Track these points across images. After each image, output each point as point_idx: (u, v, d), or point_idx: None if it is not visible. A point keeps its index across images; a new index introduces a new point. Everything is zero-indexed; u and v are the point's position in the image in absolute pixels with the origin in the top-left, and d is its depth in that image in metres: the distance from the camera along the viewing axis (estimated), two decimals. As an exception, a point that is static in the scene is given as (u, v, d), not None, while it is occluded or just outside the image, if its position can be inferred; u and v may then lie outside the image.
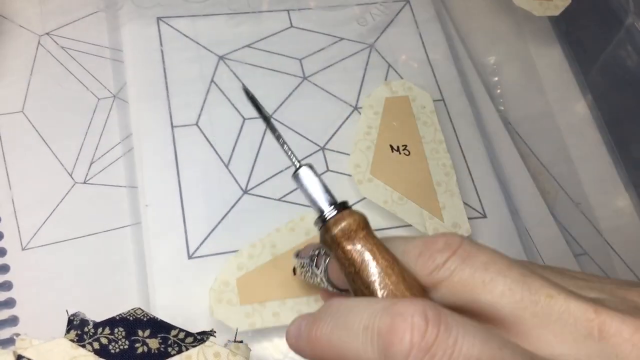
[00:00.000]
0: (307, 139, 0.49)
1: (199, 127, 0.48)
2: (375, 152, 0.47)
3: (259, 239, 0.43)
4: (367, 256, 0.28)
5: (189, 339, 0.36)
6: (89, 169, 0.46)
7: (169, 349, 0.36)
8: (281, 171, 0.47)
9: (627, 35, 0.54)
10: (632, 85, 0.54)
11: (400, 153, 0.47)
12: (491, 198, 0.49)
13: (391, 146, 0.47)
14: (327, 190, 0.31)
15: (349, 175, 0.47)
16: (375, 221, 0.45)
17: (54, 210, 0.44)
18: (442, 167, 0.47)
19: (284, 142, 0.34)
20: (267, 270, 0.42)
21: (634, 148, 0.54)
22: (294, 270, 0.39)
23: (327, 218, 0.30)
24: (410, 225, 0.45)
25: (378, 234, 0.44)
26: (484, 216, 0.48)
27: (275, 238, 0.43)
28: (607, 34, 0.56)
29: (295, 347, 0.28)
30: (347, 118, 0.50)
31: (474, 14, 0.60)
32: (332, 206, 0.30)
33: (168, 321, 0.37)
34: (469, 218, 0.46)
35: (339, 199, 0.46)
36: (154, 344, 0.36)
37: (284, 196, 0.46)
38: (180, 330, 0.36)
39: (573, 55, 0.60)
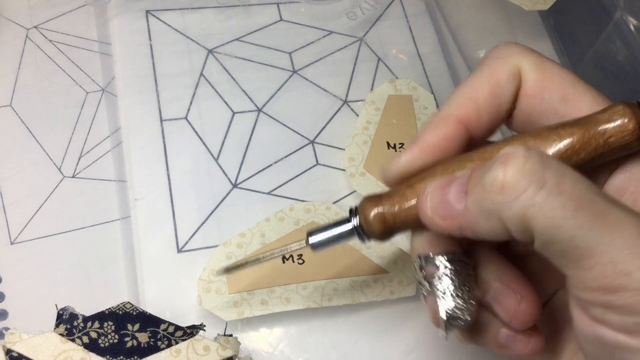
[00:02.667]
0: (297, 132, 0.49)
1: (188, 121, 0.47)
2: (371, 147, 0.47)
3: (248, 228, 0.43)
4: None
5: (179, 333, 0.36)
6: (78, 162, 0.46)
7: (159, 343, 0.36)
8: (270, 165, 0.47)
9: (616, 29, 0.54)
10: (621, 78, 0.55)
11: (396, 151, 0.47)
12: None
13: (388, 143, 0.47)
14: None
15: (339, 169, 0.47)
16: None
17: (42, 205, 0.44)
18: None
19: None
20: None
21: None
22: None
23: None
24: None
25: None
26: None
27: (264, 227, 0.43)
28: (596, 28, 0.56)
29: None
30: (336, 112, 0.50)
31: (463, 8, 0.60)
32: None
33: (157, 315, 0.37)
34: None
35: (329, 192, 0.46)
36: (143, 337, 0.36)
37: (274, 190, 0.46)
38: (170, 324, 0.36)
39: (562, 49, 0.60)
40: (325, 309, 0.41)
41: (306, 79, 0.51)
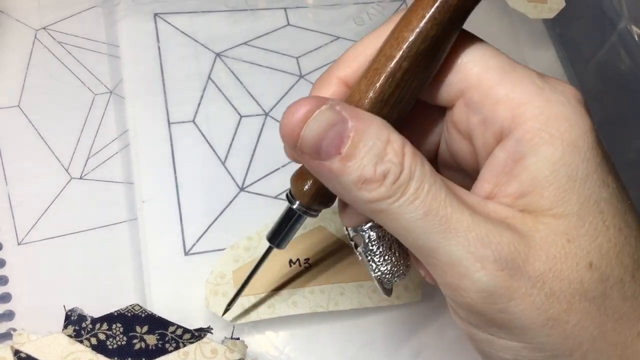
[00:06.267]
0: (304, 137, 0.49)
1: (195, 124, 0.48)
2: None
3: (255, 232, 0.43)
4: None
5: (187, 336, 0.36)
6: (85, 164, 0.46)
7: (167, 345, 0.36)
8: (277, 169, 0.47)
9: (620, 39, 0.55)
10: (625, 87, 0.55)
11: None
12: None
13: None
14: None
15: (345, 173, 0.48)
16: (370, 220, 0.46)
17: (50, 206, 0.44)
18: None
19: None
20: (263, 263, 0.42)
21: (626, 150, 0.55)
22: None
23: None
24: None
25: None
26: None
27: None
28: (600, 36, 0.56)
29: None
30: (343, 117, 0.50)
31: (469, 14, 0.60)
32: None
33: (164, 317, 0.37)
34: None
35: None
36: (151, 340, 0.36)
37: (280, 194, 0.46)
38: (178, 326, 0.37)
39: (567, 58, 0.60)
40: (332, 313, 0.42)
41: (313, 84, 0.51)
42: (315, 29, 0.54)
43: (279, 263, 0.42)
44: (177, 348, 0.36)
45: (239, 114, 0.49)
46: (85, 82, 0.49)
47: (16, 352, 0.35)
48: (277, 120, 0.49)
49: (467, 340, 0.43)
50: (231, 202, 0.45)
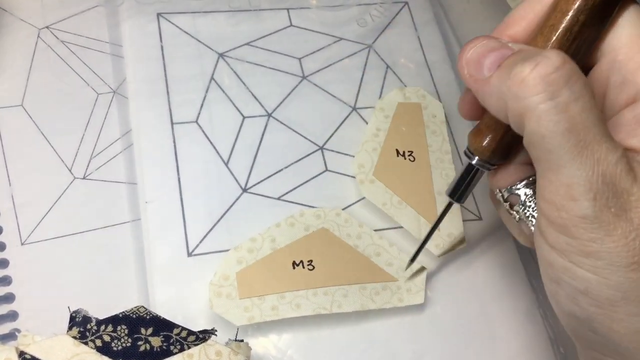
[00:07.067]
0: (306, 138, 0.49)
1: (198, 124, 0.48)
2: (381, 154, 0.47)
3: (259, 234, 0.43)
4: None
5: (191, 338, 0.37)
6: (89, 164, 0.46)
7: (171, 347, 0.36)
8: (280, 170, 0.47)
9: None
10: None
11: (405, 158, 0.47)
12: (487, 201, 0.49)
13: (397, 150, 0.48)
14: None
15: (347, 175, 0.48)
16: (371, 221, 0.46)
17: (53, 206, 0.44)
18: (445, 177, 0.47)
19: None
20: (267, 265, 0.42)
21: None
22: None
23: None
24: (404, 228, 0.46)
25: (375, 235, 0.45)
26: (480, 218, 0.49)
27: (274, 232, 0.43)
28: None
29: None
30: (345, 118, 0.50)
31: (471, 17, 0.60)
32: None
33: (167, 317, 0.37)
34: (465, 220, 0.47)
35: (339, 198, 0.47)
36: (156, 342, 0.36)
37: (283, 195, 0.46)
38: (183, 328, 0.37)
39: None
40: (335, 315, 0.42)
41: (316, 85, 0.51)
42: (318, 30, 0.54)
43: (282, 265, 0.42)
44: (181, 350, 0.36)
45: (241, 114, 0.49)
46: (89, 81, 0.48)
47: (21, 354, 0.35)
48: (280, 121, 0.49)
49: (468, 343, 0.43)
50: (234, 203, 0.45)
